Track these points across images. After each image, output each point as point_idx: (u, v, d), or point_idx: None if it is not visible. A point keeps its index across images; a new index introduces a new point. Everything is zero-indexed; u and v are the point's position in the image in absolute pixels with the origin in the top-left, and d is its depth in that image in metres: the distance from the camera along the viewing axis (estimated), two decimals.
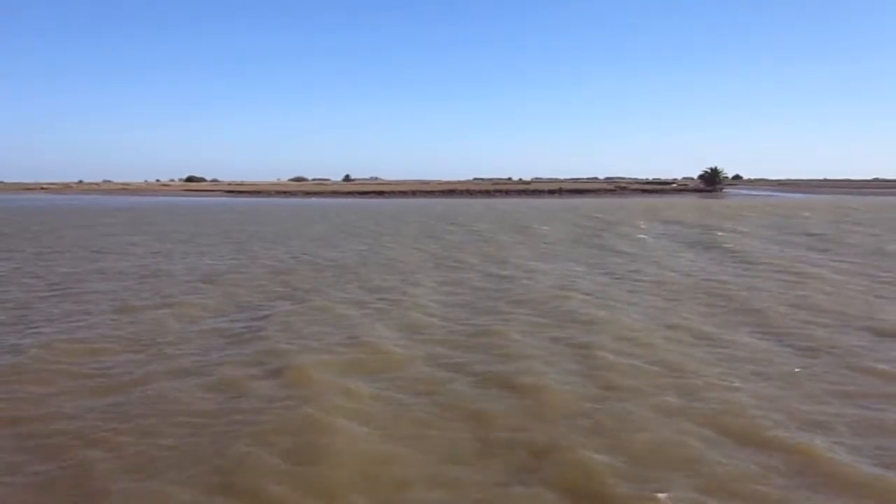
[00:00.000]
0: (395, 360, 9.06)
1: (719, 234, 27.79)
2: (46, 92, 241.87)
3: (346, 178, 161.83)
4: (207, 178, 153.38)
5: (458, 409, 7.25)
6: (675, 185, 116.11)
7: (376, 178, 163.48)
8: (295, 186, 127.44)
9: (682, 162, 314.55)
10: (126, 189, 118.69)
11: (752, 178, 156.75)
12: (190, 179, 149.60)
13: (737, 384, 7.99)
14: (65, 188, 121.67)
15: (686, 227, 31.01)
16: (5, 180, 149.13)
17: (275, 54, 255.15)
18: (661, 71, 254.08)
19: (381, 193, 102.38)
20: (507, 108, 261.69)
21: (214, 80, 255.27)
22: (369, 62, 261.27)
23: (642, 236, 27.19)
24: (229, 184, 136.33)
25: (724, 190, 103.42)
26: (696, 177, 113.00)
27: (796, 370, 8.58)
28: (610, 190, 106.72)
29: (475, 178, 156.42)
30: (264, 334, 10.46)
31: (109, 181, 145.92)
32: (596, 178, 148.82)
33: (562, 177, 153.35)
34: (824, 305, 12.62)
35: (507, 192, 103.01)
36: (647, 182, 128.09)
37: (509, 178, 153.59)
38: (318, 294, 14.06)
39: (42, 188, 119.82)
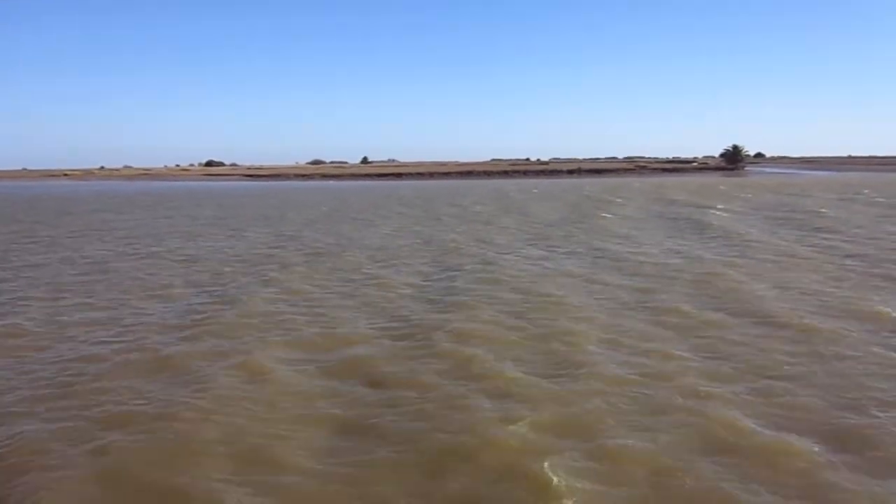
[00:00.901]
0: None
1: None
2: (64, 78, 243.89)
3: (364, 161, 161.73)
4: (226, 162, 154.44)
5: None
6: (695, 164, 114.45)
7: (394, 161, 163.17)
8: (313, 169, 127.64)
9: (705, 140, 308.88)
10: (147, 174, 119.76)
11: (775, 155, 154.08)
12: (209, 164, 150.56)
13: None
14: (87, 174, 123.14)
15: (663, 206, 31.13)
16: (30, 168, 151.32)
17: (291, 38, 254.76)
18: (682, 49, 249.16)
19: (398, 176, 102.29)
20: (526, 89, 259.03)
21: (232, 64, 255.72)
22: (386, 44, 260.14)
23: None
24: (248, 168, 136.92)
25: (745, 168, 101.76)
26: (717, 155, 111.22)
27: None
28: (629, 169, 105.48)
29: (493, 159, 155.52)
30: None
31: (130, 167, 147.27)
32: (615, 158, 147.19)
33: (580, 157, 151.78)
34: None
35: (525, 173, 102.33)
36: (667, 161, 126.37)
37: (527, 159, 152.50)
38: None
39: (65, 175, 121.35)
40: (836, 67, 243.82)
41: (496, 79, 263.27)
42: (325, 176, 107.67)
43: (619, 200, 35.01)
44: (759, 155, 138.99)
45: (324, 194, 48.57)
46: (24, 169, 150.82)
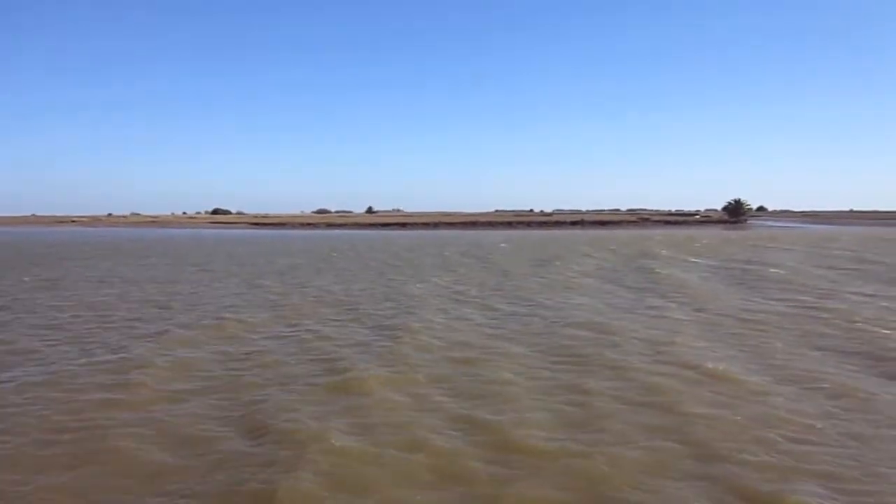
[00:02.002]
0: None
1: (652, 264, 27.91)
2: (73, 126, 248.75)
3: (369, 210, 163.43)
4: (232, 210, 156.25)
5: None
6: (698, 217, 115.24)
7: (399, 210, 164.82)
8: (318, 219, 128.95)
9: (708, 193, 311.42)
10: (155, 221, 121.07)
11: (778, 209, 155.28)
12: (216, 212, 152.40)
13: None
14: (94, 221, 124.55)
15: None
16: (39, 214, 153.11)
17: (296, 89, 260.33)
18: (684, 103, 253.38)
19: (403, 225, 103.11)
20: (530, 141, 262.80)
21: (240, 115, 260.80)
22: (391, 96, 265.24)
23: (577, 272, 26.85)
24: (254, 216, 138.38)
25: (748, 221, 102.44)
26: (719, 208, 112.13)
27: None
28: (632, 221, 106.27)
29: (497, 210, 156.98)
30: None
31: (138, 214, 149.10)
32: (618, 210, 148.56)
33: (584, 208, 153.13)
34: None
35: (529, 224, 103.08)
36: (670, 213, 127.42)
37: (531, 210, 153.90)
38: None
39: (73, 221, 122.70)
40: (839, 122, 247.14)
41: (500, 130, 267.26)
42: (329, 225, 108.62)
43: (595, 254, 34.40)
44: (761, 209, 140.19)
45: (312, 245, 48.87)
46: (34, 215, 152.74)
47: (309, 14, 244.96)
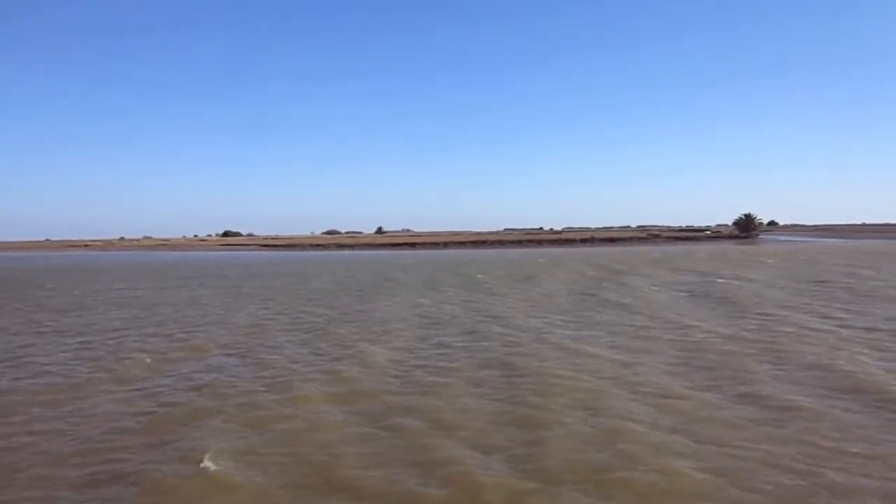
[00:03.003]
0: None
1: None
2: (84, 152, 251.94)
3: (379, 231, 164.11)
4: (243, 232, 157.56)
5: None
6: (708, 233, 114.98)
7: (408, 230, 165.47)
8: (328, 239, 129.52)
9: (718, 208, 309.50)
10: (166, 244, 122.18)
11: (789, 223, 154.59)
12: (226, 234, 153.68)
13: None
14: (107, 245, 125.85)
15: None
16: (52, 238, 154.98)
17: (306, 113, 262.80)
18: (695, 117, 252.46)
19: (412, 245, 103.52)
20: (538, 158, 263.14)
21: (248, 138, 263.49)
22: (400, 116, 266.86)
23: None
24: (265, 238, 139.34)
25: (759, 236, 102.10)
26: (730, 223, 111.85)
27: None
28: (642, 238, 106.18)
29: (506, 229, 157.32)
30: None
31: (150, 237, 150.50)
32: (628, 227, 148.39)
33: (594, 225, 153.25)
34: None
35: (539, 242, 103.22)
36: (681, 230, 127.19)
37: (540, 228, 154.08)
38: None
39: (86, 245, 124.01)
40: (851, 134, 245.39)
41: (509, 148, 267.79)
42: (340, 246, 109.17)
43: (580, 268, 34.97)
44: (772, 223, 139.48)
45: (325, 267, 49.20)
46: (47, 240, 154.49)
47: (321, 41, 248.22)
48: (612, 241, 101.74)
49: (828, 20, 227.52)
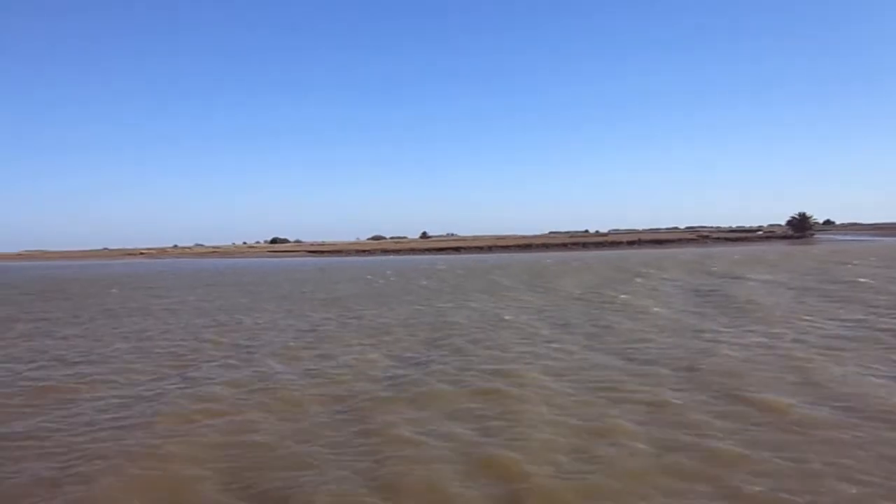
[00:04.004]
0: None
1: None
2: (139, 160, 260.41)
3: (423, 235, 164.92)
4: (290, 238, 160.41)
5: None
6: (760, 233, 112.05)
7: (452, 235, 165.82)
8: (374, 245, 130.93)
9: (772, 207, 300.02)
10: (216, 252, 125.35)
11: (846, 222, 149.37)
12: (274, 241, 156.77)
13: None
14: (161, 252, 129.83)
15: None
16: (111, 247, 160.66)
17: (351, 123, 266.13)
18: (747, 112, 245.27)
19: (457, 250, 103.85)
20: (583, 160, 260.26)
21: (295, 146, 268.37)
22: (444, 119, 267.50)
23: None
24: (311, 244, 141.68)
25: (814, 236, 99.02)
26: (783, 223, 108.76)
27: None
28: (691, 239, 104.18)
29: (551, 232, 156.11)
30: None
31: (201, 245, 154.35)
32: (676, 228, 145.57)
33: (640, 227, 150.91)
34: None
35: (584, 245, 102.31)
36: (731, 230, 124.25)
37: (586, 231, 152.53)
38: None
39: (141, 253, 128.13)
40: None
41: (552, 150, 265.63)
42: (385, 251, 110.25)
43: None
44: (828, 222, 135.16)
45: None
46: (105, 248, 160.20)
47: (365, 49, 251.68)
48: (659, 242, 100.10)
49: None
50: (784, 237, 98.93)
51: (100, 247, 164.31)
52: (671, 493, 6.17)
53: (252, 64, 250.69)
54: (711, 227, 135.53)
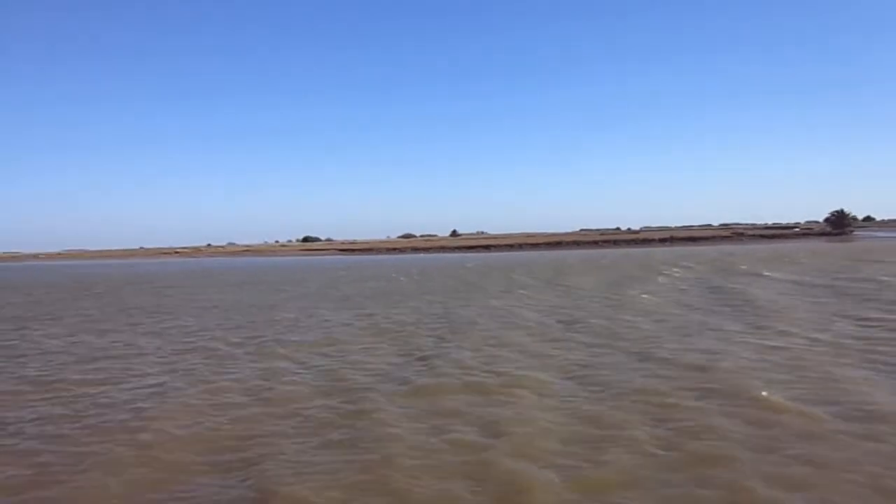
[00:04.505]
0: None
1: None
2: (170, 160, 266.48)
3: (454, 234, 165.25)
4: (322, 237, 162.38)
5: None
6: (797, 230, 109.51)
7: (482, 233, 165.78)
8: (404, 243, 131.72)
9: (812, 204, 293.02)
10: (249, 250, 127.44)
11: (886, 218, 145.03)
12: (306, 239, 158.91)
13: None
14: (196, 251, 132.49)
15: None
16: (146, 246, 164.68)
17: (382, 121, 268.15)
18: (785, 103, 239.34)
19: (487, 248, 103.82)
20: (614, 156, 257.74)
21: (325, 145, 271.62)
22: (477, 118, 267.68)
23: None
24: (342, 242, 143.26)
25: (853, 233, 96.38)
26: (822, 220, 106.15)
27: None
28: (726, 237, 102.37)
29: (582, 229, 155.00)
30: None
31: (234, 244, 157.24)
32: (710, 225, 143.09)
33: (673, 224, 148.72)
34: None
35: (616, 243, 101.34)
36: (767, 227, 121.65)
37: (617, 228, 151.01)
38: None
39: (176, 252, 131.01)
40: None
41: (585, 148, 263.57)
42: (415, 249, 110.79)
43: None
44: (868, 218, 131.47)
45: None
46: (141, 247, 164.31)
47: (396, 49, 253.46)
48: (692, 240, 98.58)
49: None
50: (822, 234, 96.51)
51: (136, 246, 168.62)
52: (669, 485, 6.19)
53: (284, 64, 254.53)
54: (746, 225, 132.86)
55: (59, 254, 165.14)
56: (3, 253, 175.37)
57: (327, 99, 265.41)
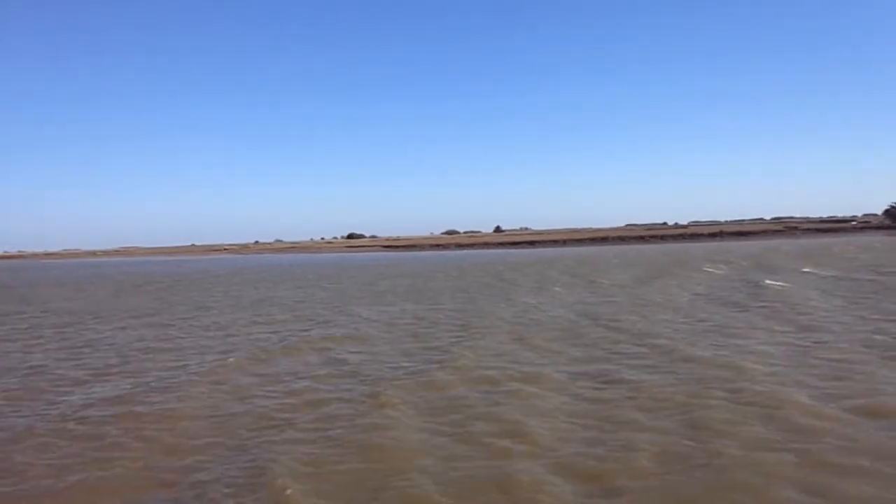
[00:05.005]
0: None
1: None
2: (220, 158, 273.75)
3: (497, 230, 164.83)
4: (366, 234, 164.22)
5: None
6: (854, 223, 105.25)
7: (526, 229, 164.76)
8: (447, 239, 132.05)
9: (871, 196, 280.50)
10: (295, 247, 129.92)
11: None
12: (351, 236, 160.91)
13: None
14: (244, 248, 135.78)
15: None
16: (197, 243, 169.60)
17: (428, 118, 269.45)
18: (838, 91, 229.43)
19: (531, 244, 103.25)
20: (661, 151, 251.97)
21: (369, 142, 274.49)
22: (521, 114, 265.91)
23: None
24: (386, 239, 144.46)
25: None
26: (880, 212, 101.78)
27: None
28: (778, 231, 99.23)
29: (628, 225, 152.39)
30: None
31: (281, 241, 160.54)
32: (761, 219, 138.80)
33: (723, 219, 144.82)
34: None
35: (663, 238, 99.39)
36: (822, 220, 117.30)
37: (664, 223, 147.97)
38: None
39: (225, 249, 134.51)
40: None
41: (630, 142, 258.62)
42: (459, 245, 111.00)
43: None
44: None
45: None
46: (193, 245, 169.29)
47: (446, 47, 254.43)
48: (743, 234, 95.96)
49: None
50: (880, 228, 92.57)
51: (187, 243, 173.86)
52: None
53: (335, 60, 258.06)
54: (800, 218, 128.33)
55: (115, 251, 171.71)
56: (64, 251, 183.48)
57: (373, 97, 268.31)
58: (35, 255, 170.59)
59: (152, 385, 11.07)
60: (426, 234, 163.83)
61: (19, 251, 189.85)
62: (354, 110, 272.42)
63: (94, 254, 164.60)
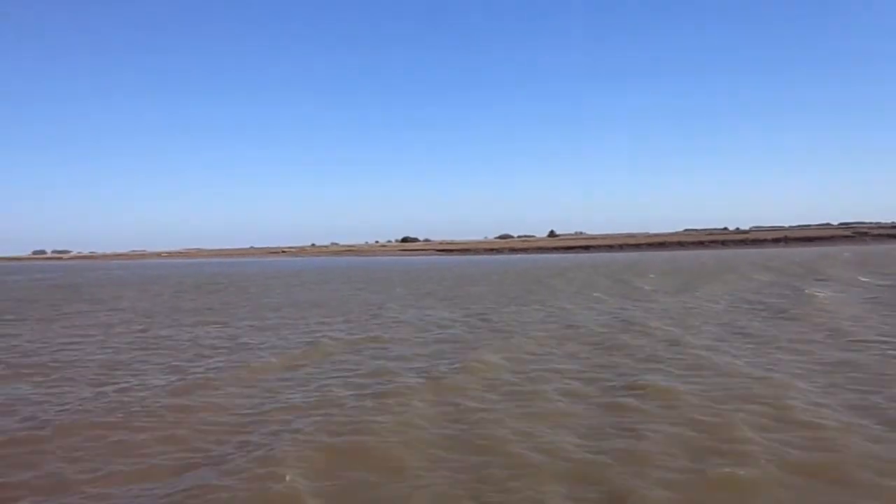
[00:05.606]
0: None
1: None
2: (282, 164, 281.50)
3: (551, 234, 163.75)
4: (420, 237, 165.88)
5: None
6: None
7: (581, 233, 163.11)
8: (501, 244, 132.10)
9: None
10: (351, 250, 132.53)
11: None
12: (405, 240, 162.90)
13: None
14: (301, 251, 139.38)
15: None
16: (256, 246, 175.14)
17: (477, 123, 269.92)
18: None
19: (586, 248, 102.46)
20: (723, 154, 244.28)
21: (425, 147, 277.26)
22: (573, 118, 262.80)
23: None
24: (440, 243, 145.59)
25: None
26: None
27: None
28: (846, 237, 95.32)
29: (686, 230, 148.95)
30: None
31: (336, 243, 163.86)
32: (829, 224, 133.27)
33: (787, 224, 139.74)
34: None
35: (724, 243, 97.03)
36: (893, 226, 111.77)
37: (725, 228, 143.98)
38: None
39: (283, 251, 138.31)
40: None
41: (688, 145, 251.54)
42: (513, 249, 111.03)
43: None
44: None
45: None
46: (252, 247, 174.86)
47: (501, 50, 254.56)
48: (808, 240, 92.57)
49: None
50: None
51: (247, 245, 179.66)
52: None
53: (392, 61, 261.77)
54: (871, 224, 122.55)
55: (179, 252, 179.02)
56: (132, 251, 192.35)
57: (421, 101, 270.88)
58: (105, 256, 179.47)
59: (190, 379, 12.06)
60: (480, 238, 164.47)
61: (91, 252, 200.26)
62: (411, 113, 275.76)
63: (158, 255, 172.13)
